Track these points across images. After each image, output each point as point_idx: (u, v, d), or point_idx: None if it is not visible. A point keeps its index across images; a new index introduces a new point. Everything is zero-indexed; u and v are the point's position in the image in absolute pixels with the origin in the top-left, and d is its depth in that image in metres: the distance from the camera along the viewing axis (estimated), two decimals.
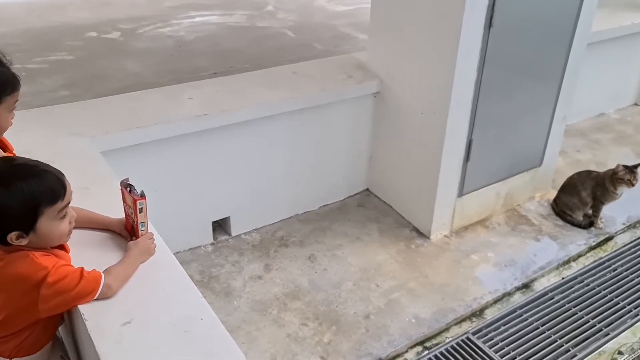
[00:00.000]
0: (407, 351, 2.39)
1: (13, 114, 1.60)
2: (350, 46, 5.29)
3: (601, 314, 2.61)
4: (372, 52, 3.12)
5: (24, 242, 1.30)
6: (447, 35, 2.54)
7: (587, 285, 2.78)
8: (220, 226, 3.00)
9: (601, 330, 2.52)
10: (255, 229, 3.03)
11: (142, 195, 1.52)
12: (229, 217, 2.93)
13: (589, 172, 3.18)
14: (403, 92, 2.93)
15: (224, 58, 5.05)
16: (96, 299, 1.37)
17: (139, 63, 4.94)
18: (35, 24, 5.81)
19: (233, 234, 2.97)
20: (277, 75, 3.07)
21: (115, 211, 1.67)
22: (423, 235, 3.02)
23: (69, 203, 1.37)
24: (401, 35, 2.85)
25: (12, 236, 1.28)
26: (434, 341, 2.45)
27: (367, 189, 3.40)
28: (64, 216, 1.36)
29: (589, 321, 2.57)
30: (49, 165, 1.36)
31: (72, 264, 1.40)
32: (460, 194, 2.97)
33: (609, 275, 2.85)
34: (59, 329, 1.63)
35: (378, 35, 3.06)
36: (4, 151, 1.65)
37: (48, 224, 1.32)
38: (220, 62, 4.92)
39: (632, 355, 2.41)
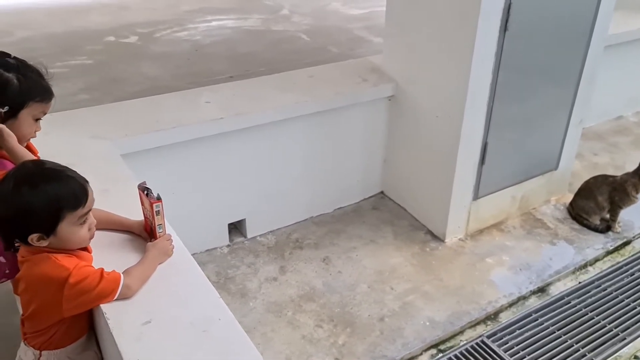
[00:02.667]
0: (421, 354, 2.40)
1: (39, 126, 1.63)
2: (365, 49, 5.31)
3: (618, 318, 2.59)
4: (387, 55, 3.13)
5: (44, 243, 1.35)
6: (463, 39, 2.55)
7: (604, 289, 2.76)
8: (236, 228, 3.04)
9: (617, 335, 2.50)
10: (271, 231, 3.06)
11: (159, 198, 1.56)
12: (244, 219, 2.97)
13: (605, 177, 3.16)
14: (418, 96, 2.94)
15: (239, 62, 5.11)
16: (116, 299, 1.41)
17: (156, 67, 5.02)
18: (57, 28, 5.94)
19: (249, 236, 3.00)
20: (293, 78, 3.10)
21: (135, 213, 1.71)
22: (438, 238, 3.03)
23: (90, 210, 1.41)
24: (416, 39, 2.86)
25: (33, 237, 1.33)
26: (449, 344, 2.45)
27: (382, 192, 3.41)
28: (84, 222, 1.40)
29: (605, 326, 2.55)
30: (75, 171, 1.41)
31: (92, 264, 1.45)
32: (476, 197, 2.97)
33: (626, 280, 2.83)
34: None
35: (393, 39, 3.08)
36: None
37: (68, 229, 1.36)
38: (236, 66, 4.98)
39: None
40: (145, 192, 1.58)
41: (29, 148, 1.71)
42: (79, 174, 1.40)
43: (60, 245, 1.38)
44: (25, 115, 1.57)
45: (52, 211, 1.32)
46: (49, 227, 1.33)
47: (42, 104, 1.59)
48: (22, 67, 1.56)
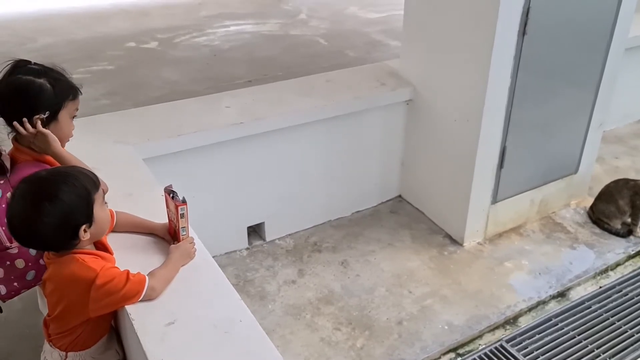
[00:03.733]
0: (439, 358, 2.40)
1: (73, 124, 1.69)
2: (382, 53, 5.32)
3: (639, 324, 2.57)
4: (405, 59, 3.14)
5: (87, 235, 1.39)
6: (481, 43, 2.55)
7: (626, 294, 2.73)
8: (255, 231, 3.07)
9: (639, 340, 2.47)
10: (289, 235, 3.09)
11: (184, 202, 1.59)
12: (263, 222, 3.00)
13: (626, 181, 3.13)
14: (436, 100, 2.95)
15: (258, 66, 5.16)
16: (140, 301, 1.45)
17: (176, 72, 5.09)
18: (79, 34, 6.05)
19: (267, 239, 3.03)
20: (312, 83, 3.13)
21: (157, 216, 1.75)
22: (456, 242, 3.02)
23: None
24: (434, 42, 2.87)
25: (82, 230, 1.37)
26: (467, 348, 2.45)
27: (400, 196, 3.41)
28: (104, 201, 1.47)
29: (627, 331, 2.52)
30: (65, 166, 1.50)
31: (116, 265, 1.48)
32: (494, 201, 2.96)
33: None
34: None
35: (411, 43, 3.09)
36: None
37: (100, 209, 1.42)
38: (254, 70, 5.02)
39: None
40: (171, 195, 1.61)
41: None
42: (72, 167, 1.48)
43: (98, 231, 1.43)
44: (64, 115, 1.63)
45: (86, 199, 1.37)
46: (89, 215, 1.39)
47: (75, 101, 1.65)
48: (48, 71, 1.61)
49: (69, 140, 1.71)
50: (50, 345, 1.58)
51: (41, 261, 1.57)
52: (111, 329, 1.66)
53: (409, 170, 3.30)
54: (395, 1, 5.04)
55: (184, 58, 5.41)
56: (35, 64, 1.63)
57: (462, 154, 2.84)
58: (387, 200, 3.38)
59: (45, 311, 1.67)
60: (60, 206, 1.33)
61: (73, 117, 1.68)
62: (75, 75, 1.73)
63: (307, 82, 3.16)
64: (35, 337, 1.84)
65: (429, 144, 3.07)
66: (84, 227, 1.38)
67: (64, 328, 1.51)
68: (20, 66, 1.59)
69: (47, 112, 1.58)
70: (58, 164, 1.61)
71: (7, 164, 1.58)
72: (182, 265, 1.59)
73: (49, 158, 1.62)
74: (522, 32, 2.54)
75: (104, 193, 1.49)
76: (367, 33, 6.12)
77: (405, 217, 3.24)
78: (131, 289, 1.42)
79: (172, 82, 4.81)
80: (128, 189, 1.93)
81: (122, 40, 5.86)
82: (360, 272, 2.82)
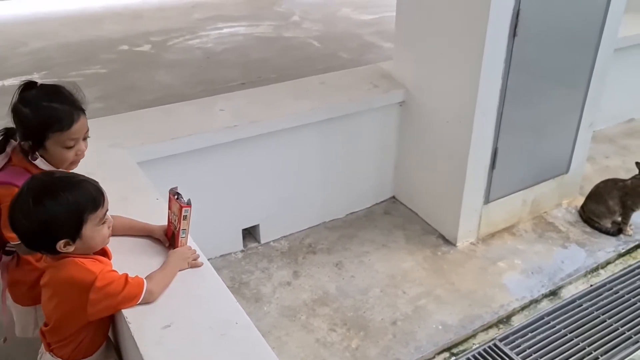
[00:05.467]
0: (434, 357, 2.42)
1: (80, 146, 1.60)
2: (375, 55, 5.34)
3: (631, 321, 2.59)
4: (398, 61, 3.17)
5: (70, 249, 1.39)
6: (472, 45, 2.58)
7: (616, 292, 2.77)
8: (250, 234, 3.09)
9: (630, 337, 2.51)
10: (284, 237, 3.10)
11: (189, 203, 1.60)
12: (258, 225, 3.01)
13: (614, 182, 3.16)
14: (428, 101, 2.98)
15: (251, 68, 5.16)
16: (138, 304, 1.46)
17: (169, 75, 5.09)
18: (71, 37, 6.04)
19: (262, 242, 3.05)
20: (305, 85, 3.14)
21: (152, 219, 1.76)
22: (449, 242, 3.05)
23: (107, 210, 1.46)
24: (426, 45, 2.90)
25: (60, 244, 1.37)
26: (461, 347, 2.48)
27: (393, 197, 3.44)
28: (104, 222, 1.45)
29: (618, 329, 2.56)
30: (84, 175, 1.46)
31: (114, 269, 1.49)
32: (487, 201, 2.99)
33: (638, 283, 2.82)
34: None
35: (403, 45, 3.11)
36: None
37: (92, 230, 1.41)
38: (248, 73, 5.03)
39: None
40: (176, 196, 1.62)
41: None
42: (89, 177, 1.46)
43: (85, 248, 1.42)
44: (52, 145, 1.56)
45: (75, 216, 1.37)
46: (74, 232, 1.38)
47: (63, 133, 1.54)
48: (40, 98, 1.55)
49: (64, 164, 1.62)
50: (52, 356, 1.57)
51: None
52: (108, 338, 1.67)
53: (402, 171, 3.32)
54: (388, 3, 5.06)
55: (178, 61, 5.41)
56: (41, 86, 1.57)
57: (454, 155, 2.87)
58: (381, 202, 3.41)
59: (41, 321, 1.67)
60: (41, 214, 1.33)
61: (70, 147, 1.58)
62: (68, 79, 1.70)
63: (301, 85, 3.18)
64: (32, 342, 1.84)
65: (422, 145, 3.10)
66: (63, 241, 1.37)
67: (63, 335, 1.51)
68: (24, 89, 1.56)
69: (29, 142, 1.55)
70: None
71: (2, 161, 1.58)
72: (180, 270, 1.59)
73: (28, 165, 1.60)
74: (513, 34, 2.57)
75: (107, 210, 1.45)
76: (360, 35, 6.14)
77: (399, 218, 3.27)
78: (130, 292, 1.43)
79: (166, 85, 4.81)
80: (123, 192, 1.94)
81: (115, 43, 5.85)
82: (355, 273, 2.84)
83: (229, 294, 1.56)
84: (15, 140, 1.61)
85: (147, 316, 1.44)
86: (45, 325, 1.56)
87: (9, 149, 1.61)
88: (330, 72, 3.45)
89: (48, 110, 1.54)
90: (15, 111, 1.55)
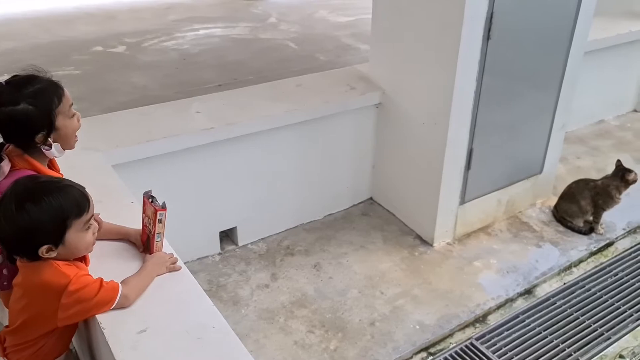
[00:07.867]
0: (411, 357, 2.44)
1: (75, 119, 1.62)
2: (352, 57, 5.36)
3: (602, 318, 2.65)
4: (374, 64, 3.19)
5: (53, 254, 1.36)
6: (447, 47, 2.61)
7: (589, 290, 2.83)
8: (227, 236, 3.06)
9: (603, 334, 2.57)
10: (262, 239, 3.09)
11: (164, 207, 1.58)
12: (235, 227, 3.00)
13: (586, 182, 3.23)
14: (404, 103, 3.00)
15: (228, 70, 5.13)
16: (113, 309, 1.43)
17: (144, 76, 5.02)
18: (43, 38, 5.91)
19: (240, 244, 3.03)
20: (282, 88, 3.14)
21: (128, 223, 1.74)
22: (426, 242, 3.08)
23: (92, 215, 1.43)
24: (401, 47, 2.92)
25: (43, 250, 1.35)
26: (438, 347, 2.50)
27: (371, 198, 3.46)
28: (89, 228, 1.43)
29: (590, 325, 2.61)
30: (70, 180, 1.43)
31: (89, 273, 1.46)
32: (462, 201, 3.03)
33: (609, 280, 2.89)
34: (72, 339, 1.68)
35: (379, 48, 3.13)
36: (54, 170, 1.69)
37: (75, 236, 1.38)
38: (224, 74, 4.99)
39: (634, 358, 2.45)
40: (151, 199, 1.60)
41: (53, 166, 1.69)
42: (75, 182, 1.43)
43: (68, 254, 1.40)
44: (61, 121, 1.57)
45: (59, 222, 1.35)
46: (57, 238, 1.35)
47: (62, 100, 1.56)
48: (17, 88, 1.51)
49: (77, 138, 1.65)
50: None
51: None
52: (70, 352, 1.63)
53: (379, 172, 3.34)
54: (364, 5, 5.08)
55: (153, 62, 5.34)
56: (12, 81, 1.54)
57: (430, 156, 2.89)
58: (359, 203, 3.42)
59: (5, 322, 1.63)
60: (23, 219, 1.31)
61: (73, 115, 1.61)
62: None
63: (277, 87, 3.18)
64: None
65: (399, 146, 3.12)
66: (46, 247, 1.34)
67: (25, 339, 1.47)
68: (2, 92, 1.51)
69: (44, 131, 1.53)
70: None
71: (7, 168, 1.53)
72: (157, 275, 1.57)
73: (44, 169, 1.58)
74: (487, 36, 2.61)
75: (92, 216, 1.43)
76: (337, 37, 6.16)
77: (377, 219, 3.29)
78: (104, 297, 1.40)
79: (141, 87, 4.74)
80: (97, 196, 1.88)
81: (88, 44, 5.75)
82: (333, 274, 2.85)
83: (206, 297, 1.55)
84: (4, 146, 1.57)
85: (122, 321, 1.42)
86: (8, 326, 1.51)
87: (4, 155, 1.56)
88: (307, 74, 3.44)
89: (43, 93, 1.53)
90: (9, 115, 1.48)
